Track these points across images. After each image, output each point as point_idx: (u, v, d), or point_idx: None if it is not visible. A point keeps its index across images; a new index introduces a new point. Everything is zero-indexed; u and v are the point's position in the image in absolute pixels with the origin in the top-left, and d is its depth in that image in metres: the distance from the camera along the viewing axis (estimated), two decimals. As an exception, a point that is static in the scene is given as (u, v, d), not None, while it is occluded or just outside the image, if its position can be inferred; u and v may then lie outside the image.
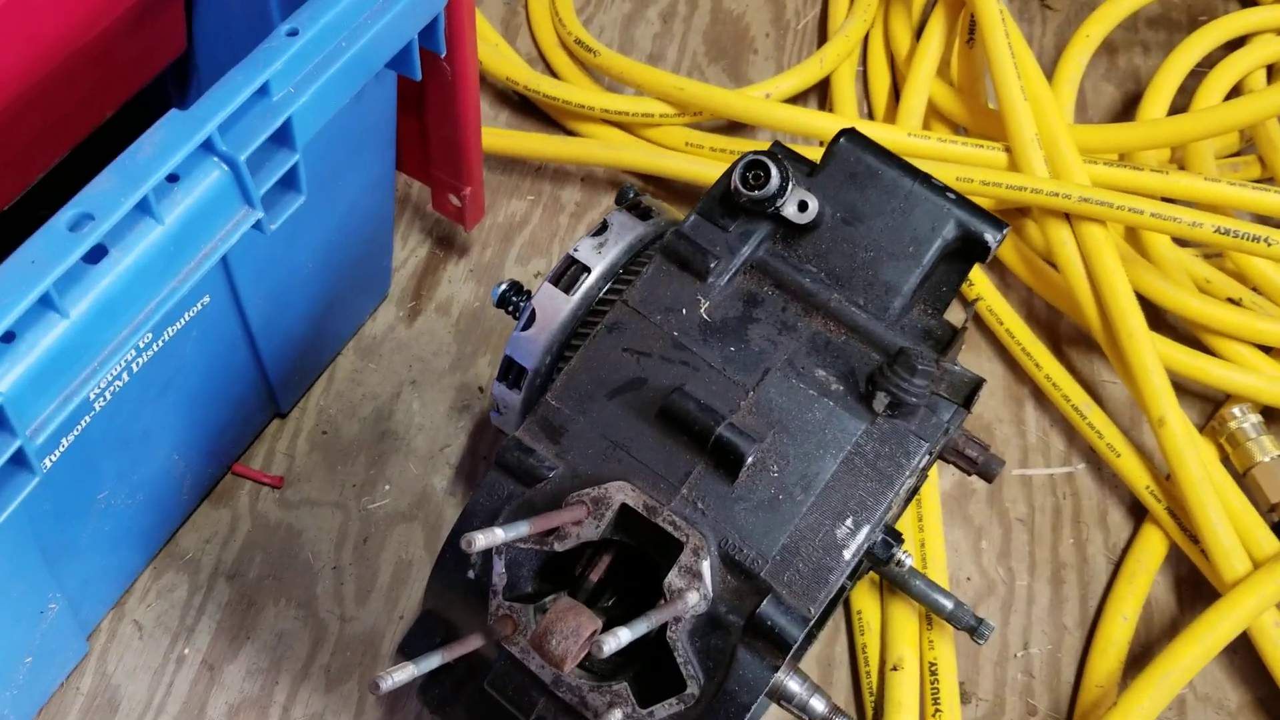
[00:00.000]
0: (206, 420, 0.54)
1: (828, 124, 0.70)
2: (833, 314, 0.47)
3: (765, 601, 0.41)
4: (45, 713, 0.53)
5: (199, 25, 0.60)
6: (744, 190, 0.47)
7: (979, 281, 0.69)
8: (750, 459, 0.43)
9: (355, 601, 0.57)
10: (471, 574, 0.45)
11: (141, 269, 0.40)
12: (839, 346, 0.46)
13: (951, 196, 0.48)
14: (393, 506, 0.60)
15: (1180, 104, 0.76)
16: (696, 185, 0.72)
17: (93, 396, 0.42)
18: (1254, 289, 0.69)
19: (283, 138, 0.44)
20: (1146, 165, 0.69)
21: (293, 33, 0.44)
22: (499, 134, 0.72)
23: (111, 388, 0.43)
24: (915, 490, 0.55)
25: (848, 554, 0.43)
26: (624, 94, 0.76)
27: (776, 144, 0.51)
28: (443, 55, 0.53)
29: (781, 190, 0.47)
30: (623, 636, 0.37)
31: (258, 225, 0.44)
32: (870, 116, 0.78)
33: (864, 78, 0.80)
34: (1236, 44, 0.79)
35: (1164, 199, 0.68)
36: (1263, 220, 0.72)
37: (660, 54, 0.82)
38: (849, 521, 0.43)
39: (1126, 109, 0.82)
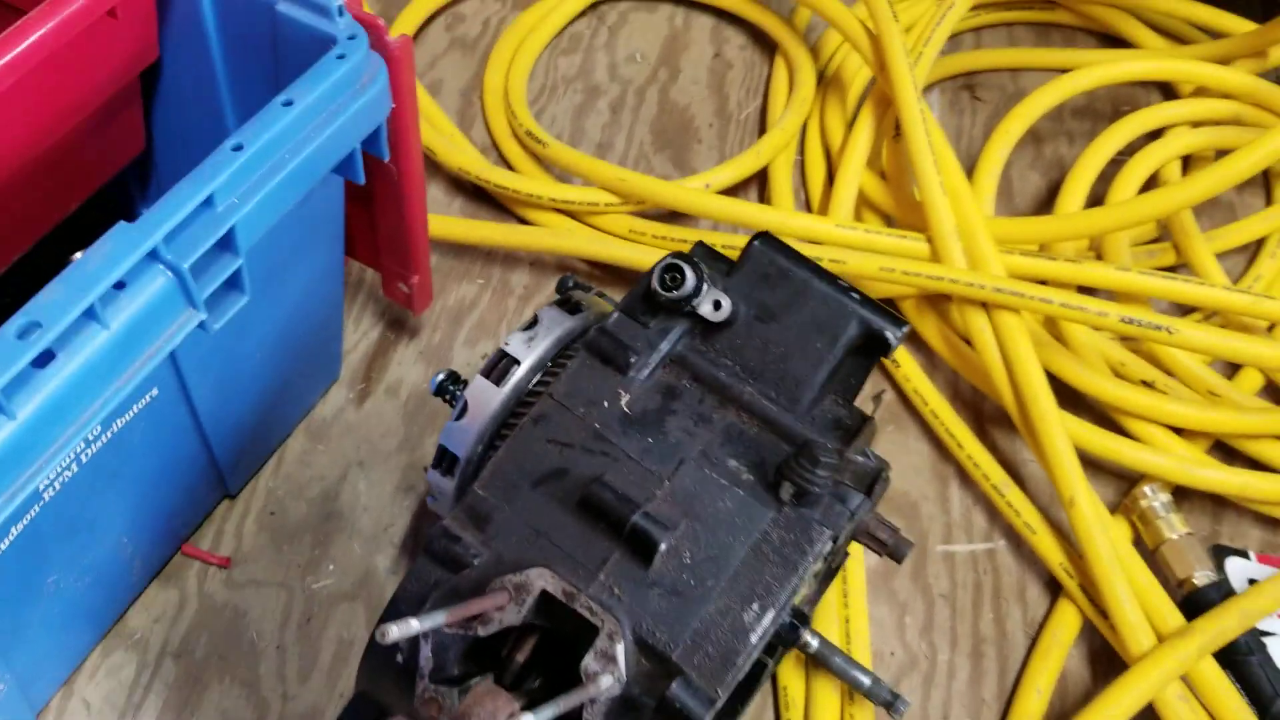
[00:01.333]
0: (155, 505, 0.56)
1: (762, 215, 0.73)
2: (746, 406, 0.50)
3: (675, 684, 0.44)
4: (-8, 791, 0.54)
5: (157, 126, 0.63)
6: (662, 291, 0.50)
7: (905, 363, 0.72)
8: (663, 546, 0.46)
9: (298, 680, 0.59)
10: (400, 658, 0.47)
11: (88, 371, 0.43)
12: (751, 438, 0.49)
13: (855, 296, 0.51)
14: (336, 586, 0.62)
15: (1100, 190, 0.80)
16: (639, 270, 0.75)
17: (41, 488, 0.45)
18: (1167, 372, 0.72)
19: (226, 244, 0.47)
20: (1062, 255, 0.73)
21: (238, 148, 0.47)
22: (450, 222, 0.76)
23: (60, 479, 0.46)
24: (833, 570, 0.58)
25: (754, 637, 0.45)
26: (572, 184, 0.79)
27: (698, 245, 0.54)
28: (386, 160, 0.56)
29: (697, 291, 0.50)
30: (543, 715, 0.39)
31: (201, 325, 0.47)
32: (807, 205, 0.82)
33: (801, 168, 0.84)
34: (1155, 134, 0.84)
35: (1079, 288, 0.72)
36: (1176, 305, 0.75)
37: (609, 143, 0.86)
38: (755, 606, 0.45)
39: (1051, 196, 0.85)
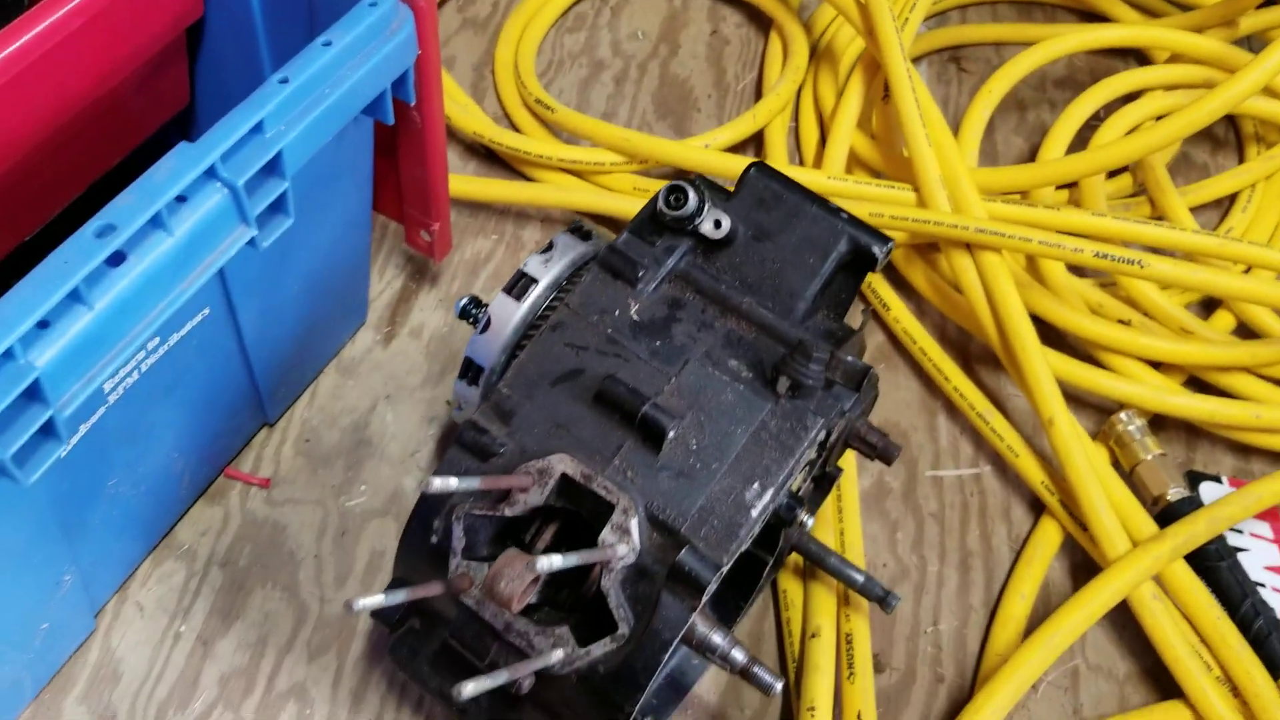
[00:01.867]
0: (204, 423, 0.61)
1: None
2: (744, 315, 0.55)
3: (684, 551, 0.49)
4: (56, 680, 0.59)
5: (200, 80, 0.68)
6: (666, 210, 0.55)
7: (895, 305, 0.77)
8: (671, 434, 0.51)
9: (334, 585, 0.63)
10: (434, 539, 0.52)
11: (154, 273, 0.48)
12: (749, 342, 0.54)
13: (844, 216, 0.57)
14: (368, 504, 0.67)
15: (1078, 149, 0.85)
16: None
17: (108, 389, 0.50)
18: (1143, 312, 0.77)
19: (274, 168, 0.52)
20: (1041, 202, 0.78)
21: (284, 80, 0.52)
22: (466, 180, 0.81)
23: (124, 382, 0.51)
24: (829, 478, 0.63)
25: (754, 512, 0.50)
26: (579, 145, 0.84)
27: (698, 175, 0.59)
28: (412, 104, 0.61)
29: (699, 210, 0.55)
30: (556, 560, 0.44)
31: (252, 242, 0.52)
32: (801, 165, 0.87)
33: (796, 132, 0.89)
34: (1132, 98, 0.89)
35: (1058, 232, 0.77)
36: (1150, 250, 0.80)
37: (613, 112, 0.91)
38: (755, 485, 0.50)
39: (1034, 158, 0.91)
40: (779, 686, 0.52)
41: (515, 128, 0.88)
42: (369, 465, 0.68)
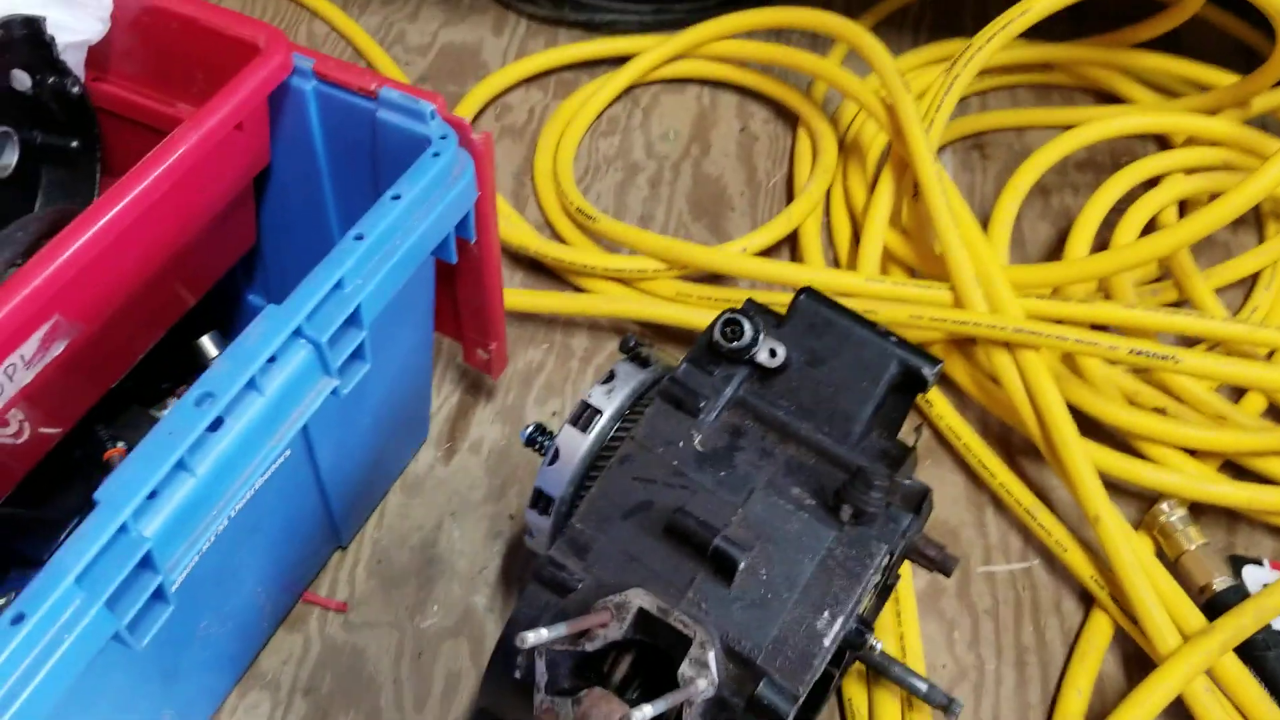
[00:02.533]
0: (284, 556, 0.64)
1: (797, 273, 0.81)
2: (803, 441, 0.57)
3: (761, 684, 0.50)
4: (151, 816, 0.61)
5: (265, 219, 0.71)
6: (723, 342, 0.58)
7: (938, 402, 0.79)
8: (742, 564, 0.53)
9: (414, 710, 0.65)
10: (518, 674, 0.54)
11: (249, 433, 0.50)
12: (810, 468, 0.56)
13: (893, 340, 0.59)
14: (441, 624, 0.69)
15: (1104, 237, 0.87)
16: (686, 329, 0.83)
17: (204, 543, 0.52)
18: (1177, 399, 0.79)
19: (353, 320, 0.55)
20: (1074, 297, 0.80)
21: (359, 237, 0.55)
22: (517, 293, 0.84)
23: (215, 531, 0.53)
24: (888, 588, 0.64)
25: (827, 641, 0.52)
26: (620, 254, 0.87)
27: (749, 301, 0.62)
28: (473, 241, 0.64)
29: (754, 341, 0.58)
30: (647, 711, 0.46)
31: (334, 391, 0.55)
32: (835, 262, 0.89)
33: (828, 228, 0.92)
34: (1152, 183, 0.91)
35: (1091, 325, 0.79)
36: (1181, 338, 0.82)
37: (650, 215, 0.94)
38: (826, 614, 0.52)
39: (1060, 243, 0.93)
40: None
41: (558, 236, 0.91)
42: (439, 584, 0.71)
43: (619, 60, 1.04)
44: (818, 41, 1.06)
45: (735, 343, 0.57)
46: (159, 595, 0.48)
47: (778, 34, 1.06)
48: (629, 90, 1.03)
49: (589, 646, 0.52)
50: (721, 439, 0.57)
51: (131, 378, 0.64)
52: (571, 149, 0.97)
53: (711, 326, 0.58)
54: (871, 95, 0.89)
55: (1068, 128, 0.91)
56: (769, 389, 0.59)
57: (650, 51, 1.01)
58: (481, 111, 1.01)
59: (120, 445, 0.66)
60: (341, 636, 0.68)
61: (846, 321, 0.60)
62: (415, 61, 1.06)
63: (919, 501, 0.55)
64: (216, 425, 0.49)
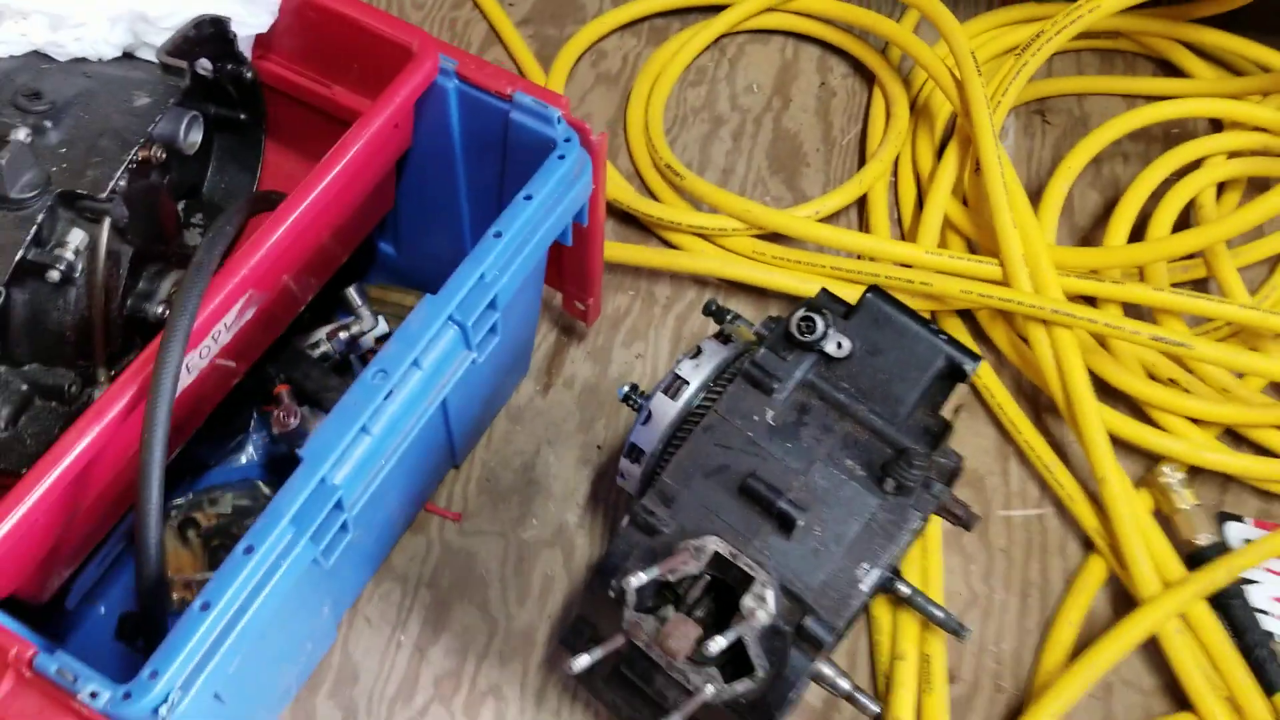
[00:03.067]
0: (417, 479, 0.77)
1: (860, 241, 0.91)
2: (859, 420, 0.68)
3: (808, 617, 0.63)
4: (310, 681, 0.76)
5: (402, 189, 0.82)
6: (798, 335, 0.69)
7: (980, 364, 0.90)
8: (800, 523, 0.65)
9: (517, 604, 0.80)
10: (611, 593, 0.67)
11: (411, 400, 0.62)
12: (863, 443, 0.68)
13: (943, 337, 0.70)
14: (538, 535, 0.82)
15: (1150, 208, 0.96)
16: (759, 287, 0.93)
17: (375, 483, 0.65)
18: (1190, 372, 0.89)
19: (491, 304, 0.66)
20: (1110, 277, 0.89)
21: (498, 234, 0.66)
22: (609, 246, 0.94)
23: (383, 474, 0.66)
24: (919, 533, 0.77)
25: (864, 588, 0.64)
26: (703, 210, 0.97)
27: (823, 292, 0.72)
28: (585, 225, 0.75)
29: (825, 335, 0.69)
30: (721, 641, 0.59)
31: (473, 362, 0.67)
32: (899, 224, 0.99)
33: (896, 189, 1.01)
34: (1196, 163, 0.99)
35: (1123, 303, 0.89)
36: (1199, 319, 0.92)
37: (731, 168, 1.03)
38: (865, 565, 0.65)
39: (1108, 212, 1.01)
40: (877, 709, 0.67)
41: (648, 189, 1.01)
42: (537, 501, 0.84)
43: (710, 9, 1.12)
44: (897, 4, 1.12)
45: (808, 336, 0.68)
46: (344, 527, 0.62)
47: (859, -9, 1.13)
48: (718, 40, 1.11)
49: (671, 578, 0.65)
50: (790, 415, 0.69)
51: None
52: (662, 101, 1.05)
53: (789, 318, 0.69)
54: (941, 67, 0.96)
55: (1127, 95, 0.99)
56: (833, 373, 0.70)
57: (741, 4, 1.09)
58: (580, 59, 1.10)
59: (281, 378, 0.79)
60: (457, 541, 0.82)
61: (904, 319, 0.70)
62: (519, 3, 1.14)
63: (951, 475, 0.67)
64: (389, 395, 0.61)
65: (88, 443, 0.56)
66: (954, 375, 0.70)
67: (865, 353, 0.70)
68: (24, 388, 0.63)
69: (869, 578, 0.64)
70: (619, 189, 0.97)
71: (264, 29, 0.74)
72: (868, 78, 1.09)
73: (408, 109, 0.72)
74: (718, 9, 1.11)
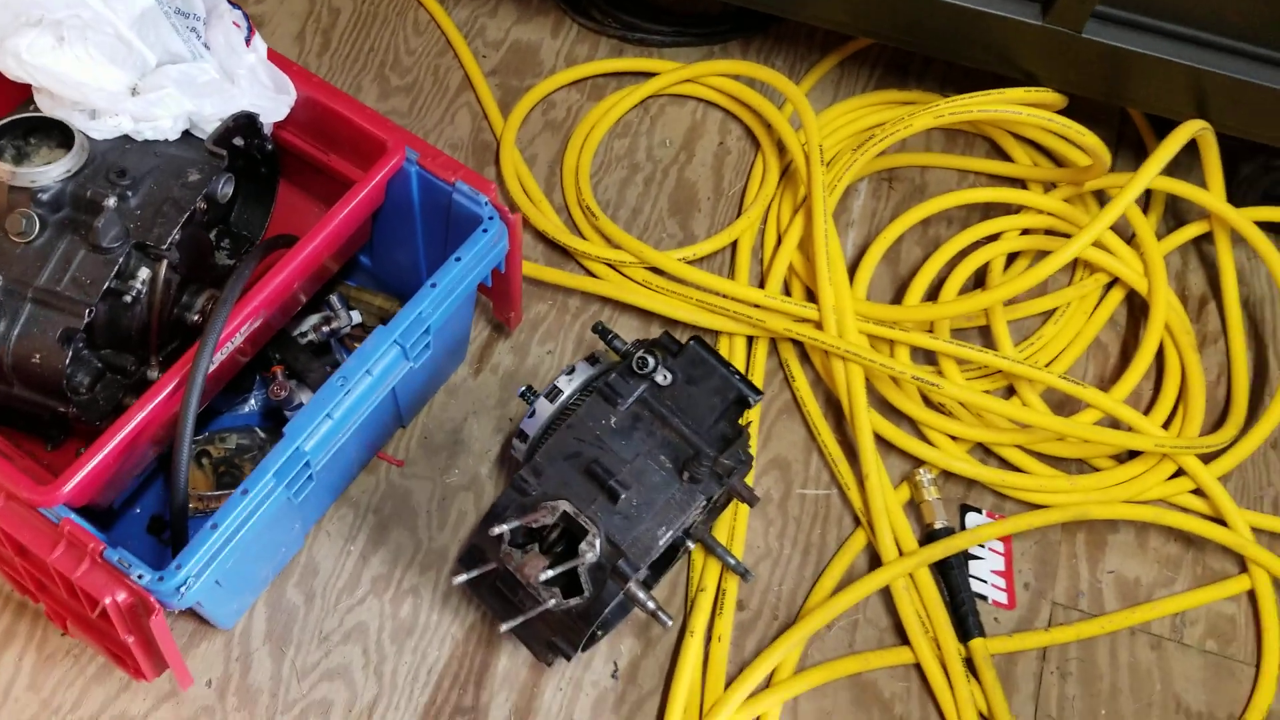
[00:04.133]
0: (371, 436, 1.04)
1: (716, 282, 1.16)
2: (674, 429, 0.94)
3: (621, 560, 0.90)
4: (283, 573, 1.03)
5: (377, 228, 1.07)
6: (636, 369, 0.95)
7: (799, 377, 1.16)
8: (622, 496, 0.91)
9: (437, 530, 1.07)
10: (493, 533, 0.94)
11: (364, 394, 0.89)
12: (674, 444, 0.94)
13: (737, 376, 0.96)
14: (458, 482, 1.09)
15: (950, 270, 1.21)
16: (646, 309, 1.19)
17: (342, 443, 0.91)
18: (961, 404, 1.15)
19: (426, 331, 0.92)
20: (904, 328, 1.15)
21: (434, 284, 0.92)
22: (537, 267, 1.20)
23: (341, 443, 0.92)
24: (720, 508, 1.04)
25: (660, 542, 0.91)
26: (611, 246, 1.22)
27: (664, 334, 0.98)
28: (503, 272, 1.00)
29: (655, 368, 0.95)
30: (549, 573, 0.86)
31: (410, 369, 0.93)
32: (761, 264, 1.24)
33: (763, 234, 1.26)
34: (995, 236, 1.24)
35: (912, 347, 1.14)
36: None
37: (640, 208, 1.28)
38: (663, 528, 0.91)
39: (925, 261, 1.25)
40: (669, 623, 0.94)
41: (573, 222, 1.26)
42: (461, 456, 1.11)
43: (642, 75, 1.35)
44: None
45: (644, 369, 0.95)
46: (310, 477, 0.88)
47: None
48: (644, 101, 1.35)
49: (534, 525, 0.92)
50: (627, 422, 0.95)
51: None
52: (593, 149, 1.30)
53: (632, 354, 0.95)
54: (799, 151, 1.21)
55: (961, 170, 1.24)
56: (660, 395, 0.96)
57: (666, 74, 1.33)
58: (534, 107, 1.34)
59: (277, 359, 1.05)
60: (398, 481, 1.09)
61: (713, 361, 0.97)
62: (490, 55, 1.38)
63: (730, 472, 0.93)
64: (347, 393, 0.88)
65: (146, 412, 0.82)
66: (743, 403, 0.97)
67: (684, 382, 0.96)
68: (98, 366, 0.89)
69: (665, 536, 0.91)
70: (549, 224, 1.22)
71: (282, 118, 0.98)
72: (757, 143, 1.33)
73: (382, 185, 0.96)
74: (648, 75, 1.35)
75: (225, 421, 1.08)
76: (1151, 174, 1.11)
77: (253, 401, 1.10)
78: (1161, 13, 1.04)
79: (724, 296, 1.17)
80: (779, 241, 1.24)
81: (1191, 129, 1.11)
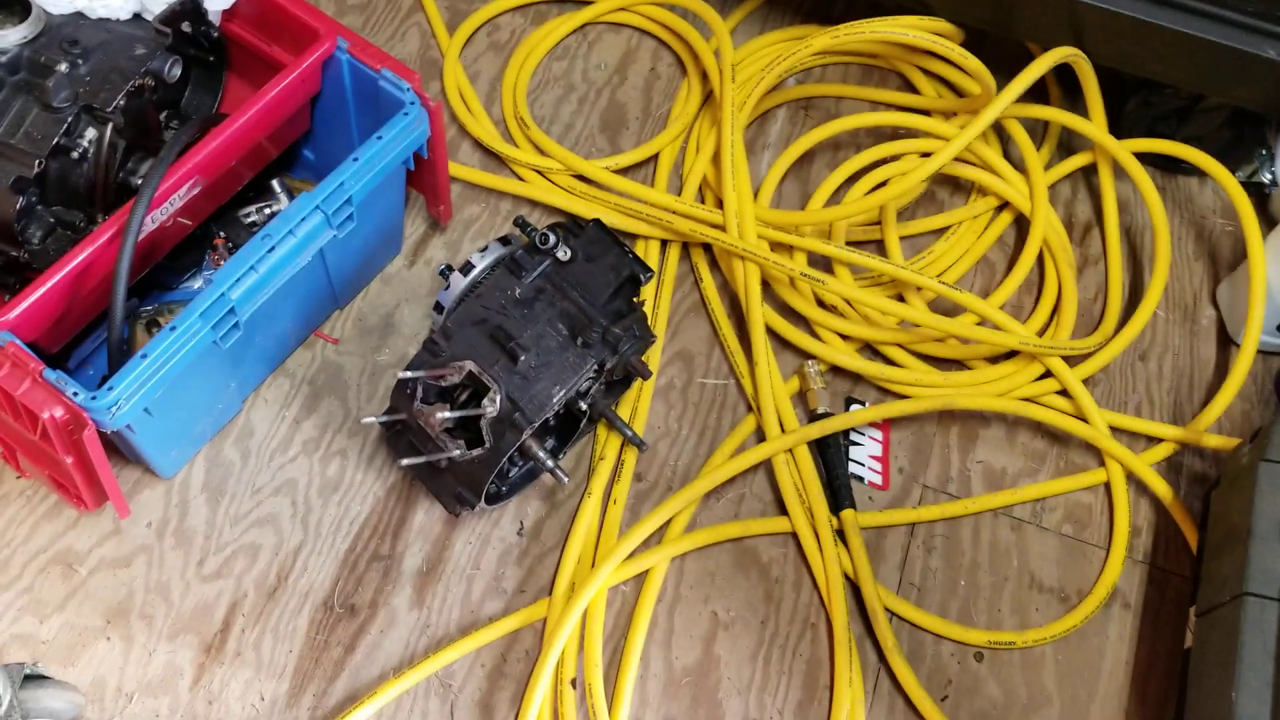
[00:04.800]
0: (304, 310, 1.11)
1: (639, 190, 1.23)
2: (572, 301, 1.02)
3: (517, 414, 0.97)
4: (220, 434, 1.11)
5: (316, 116, 1.14)
6: (539, 244, 1.02)
7: (705, 278, 1.23)
8: (522, 358, 0.98)
9: (366, 402, 1.14)
10: (408, 390, 1.01)
11: (288, 254, 0.95)
12: (572, 315, 1.01)
13: (631, 256, 1.03)
14: (387, 361, 1.17)
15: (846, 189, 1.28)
16: (569, 212, 1.26)
17: (260, 300, 0.99)
18: (847, 302, 1.22)
19: (348, 201, 0.99)
20: (803, 233, 1.22)
21: (355, 159, 0.99)
22: (469, 170, 1.27)
23: (267, 296, 0.99)
24: (621, 383, 1.11)
25: (554, 400, 0.98)
26: (541, 155, 1.29)
27: (570, 219, 1.05)
28: (425, 157, 1.07)
29: (556, 246, 1.02)
30: (449, 414, 0.94)
31: (334, 236, 1.00)
32: (679, 178, 1.31)
33: (684, 153, 1.33)
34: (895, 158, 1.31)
35: (809, 251, 1.22)
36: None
37: (572, 124, 1.35)
38: (557, 388, 0.99)
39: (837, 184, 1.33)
40: (565, 480, 1.02)
41: (508, 134, 1.33)
42: (391, 338, 1.18)
43: (581, 2, 1.42)
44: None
45: (545, 245, 1.02)
46: (235, 326, 0.96)
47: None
48: (583, 26, 1.42)
49: (443, 383, 0.99)
50: (530, 293, 1.02)
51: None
52: (531, 69, 1.37)
53: (535, 232, 1.03)
54: (716, 71, 1.28)
55: (871, 102, 1.31)
56: (562, 270, 1.03)
57: (603, 2, 1.40)
58: (478, 29, 1.41)
59: (221, 235, 1.12)
60: (333, 358, 1.16)
61: (609, 240, 1.04)
62: (443, -19, 1.45)
63: (618, 343, 1.01)
64: (271, 249, 0.95)
65: (86, 255, 0.89)
66: (635, 281, 1.04)
67: (584, 260, 1.04)
68: (50, 220, 0.96)
69: (558, 395, 0.99)
70: (485, 132, 1.30)
71: (227, 6, 1.05)
72: (684, 70, 1.40)
73: (315, 68, 1.03)
74: (586, 2, 1.42)
75: (175, 295, 1.15)
76: (1014, 94, 1.18)
77: (201, 280, 1.17)
78: (1037, -56, 1.12)
79: (641, 202, 1.24)
80: (696, 155, 1.31)
81: (1059, 54, 1.18)
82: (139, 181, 0.98)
